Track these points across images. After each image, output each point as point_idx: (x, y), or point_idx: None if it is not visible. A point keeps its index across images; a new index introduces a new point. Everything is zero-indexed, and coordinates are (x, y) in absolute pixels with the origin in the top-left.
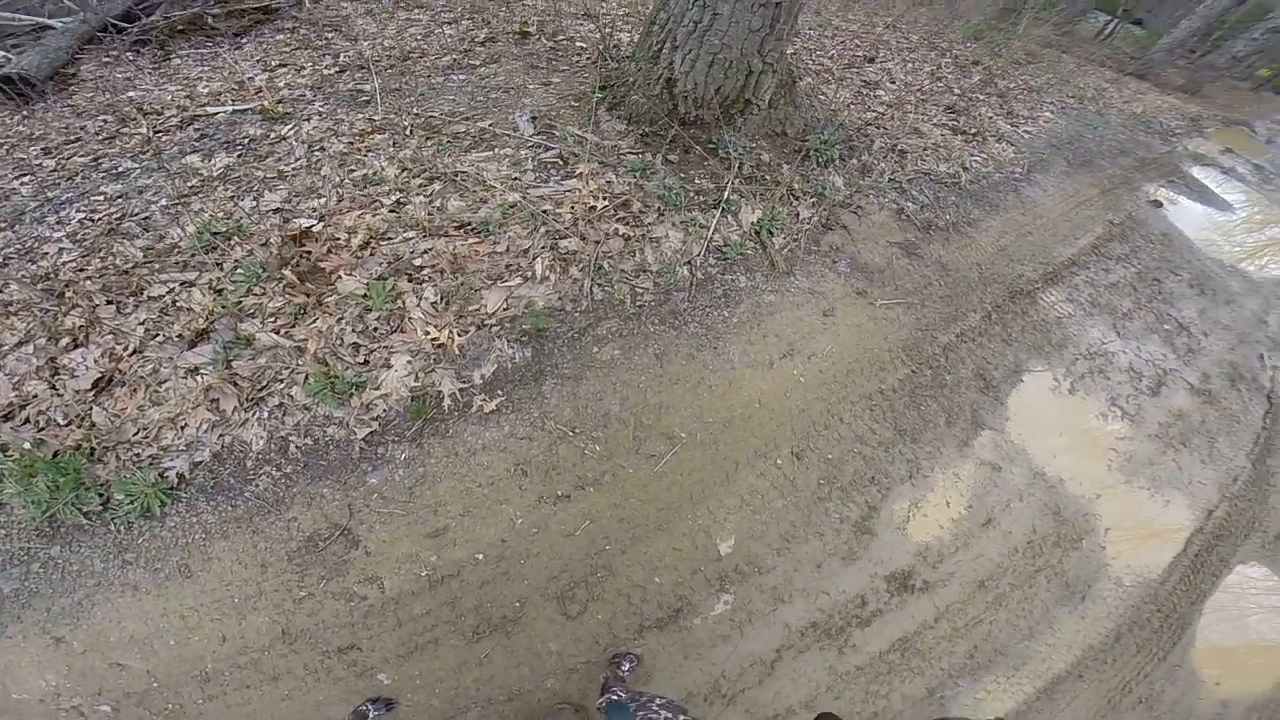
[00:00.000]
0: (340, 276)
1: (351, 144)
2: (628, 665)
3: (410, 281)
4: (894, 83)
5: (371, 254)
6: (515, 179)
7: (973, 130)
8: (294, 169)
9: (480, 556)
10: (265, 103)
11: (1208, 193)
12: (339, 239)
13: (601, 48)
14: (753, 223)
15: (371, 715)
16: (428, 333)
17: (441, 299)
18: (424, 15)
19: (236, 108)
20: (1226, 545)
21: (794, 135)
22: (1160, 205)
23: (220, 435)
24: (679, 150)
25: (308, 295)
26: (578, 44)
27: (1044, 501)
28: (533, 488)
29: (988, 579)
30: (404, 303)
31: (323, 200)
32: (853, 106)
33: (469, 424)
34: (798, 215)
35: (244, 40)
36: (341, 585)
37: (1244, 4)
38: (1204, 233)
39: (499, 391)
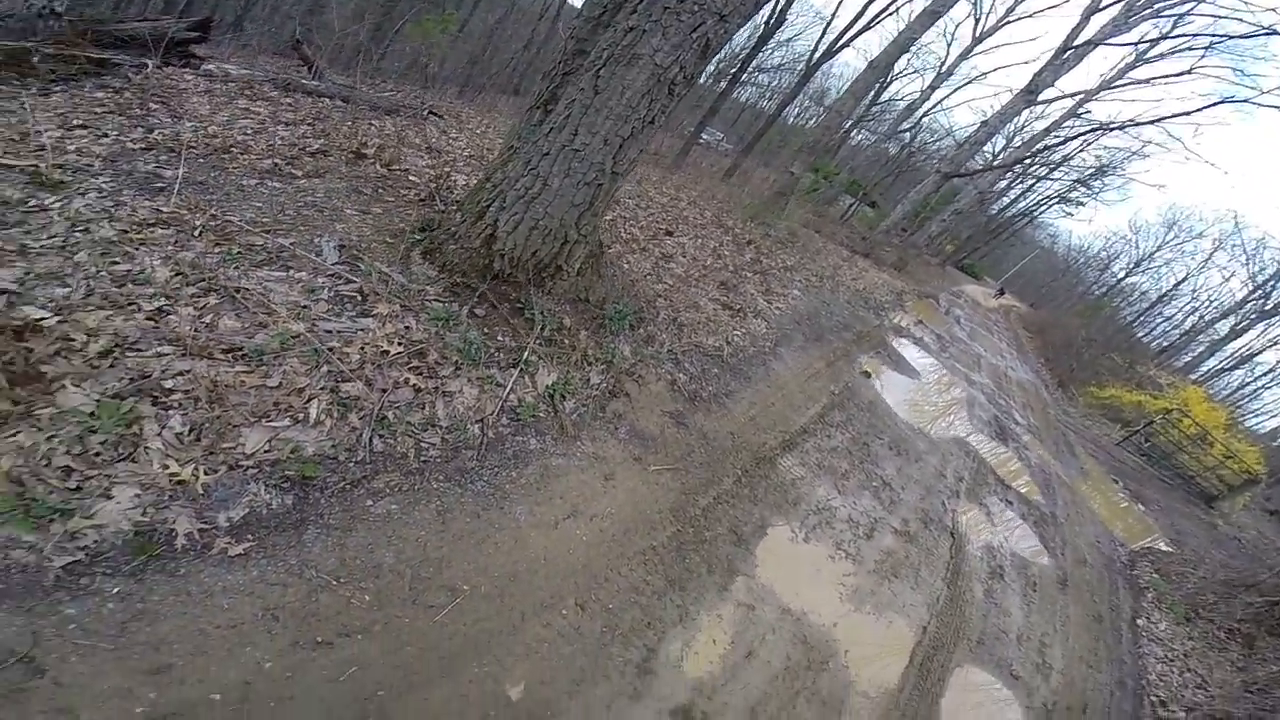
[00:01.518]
0: (64, 386)
1: (125, 232)
2: None
3: (154, 405)
4: (685, 256)
5: (112, 365)
6: (305, 307)
7: (738, 306)
8: (43, 246)
9: (217, 697)
10: (42, 165)
11: (903, 362)
12: (74, 341)
13: (433, 186)
14: (548, 385)
15: None
16: (166, 466)
17: (190, 430)
18: (264, 110)
19: (4, 162)
20: (942, 653)
21: (594, 302)
22: (869, 375)
23: None
24: (486, 305)
25: (15, 404)
26: (410, 176)
27: (793, 632)
28: (285, 633)
29: (757, 704)
30: (141, 429)
31: (66, 291)
32: (649, 277)
33: (207, 565)
34: (589, 381)
35: (57, 88)
36: (19, 713)
37: (939, 190)
38: (900, 398)
39: (249, 536)
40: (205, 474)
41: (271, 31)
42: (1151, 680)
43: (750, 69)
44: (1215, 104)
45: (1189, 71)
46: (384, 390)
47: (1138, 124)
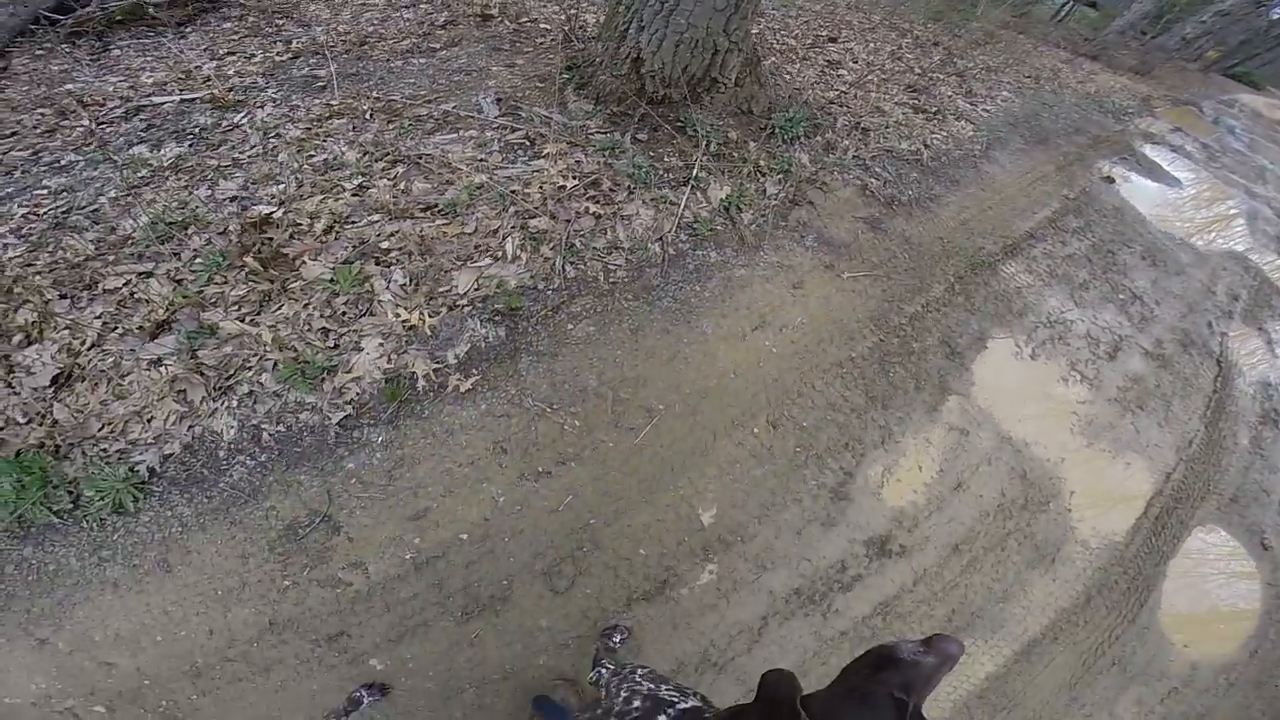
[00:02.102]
0: (304, 262)
1: (309, 129)
2: (619, 638)
3: (378, 265)
4: (856, 62)
5: (336, 238)
6: (481, 160)
7: (933, 109)
8: (249, 156)
9: (464, 536)
10: (215, 91)
11: (1158, 170)
12: (301, 225)
13: (566, 29)
14: (721, 199)
15: (366, 701)
16: (398, 315)
17: (411, 281)
18: (380, 0)
19: (184, 97)
20: (1185, 508)
21: (759, 113)
22: (1113, 181)
23: (189, 427)
24: (647, 129)
25: (271, 282)
26: (542, 25)
27: (1011, 465)
28: (513, 465)
29: (961, 543)
30: (372, 286)
31: (281, 187)
32: (816, 86)
33: (445, 404)
34: (765, 191)
35: (188, 29)
36: (326, 572)
37: None
38: (1155, 208)
39: (474, 371)
40: (430, 316)
41: None
42: None
43: None
44: None
45: None
46: (568, 221)
47: None
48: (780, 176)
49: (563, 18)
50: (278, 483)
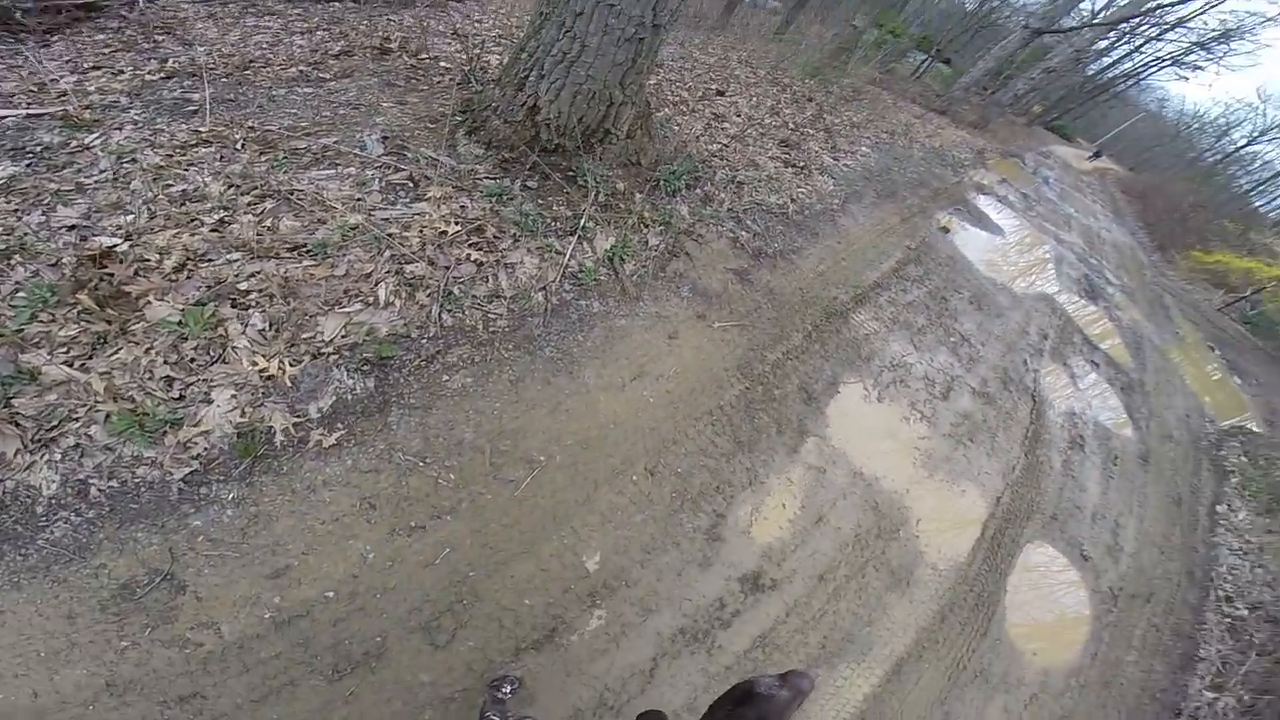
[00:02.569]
0: (150, 302)
1: (170, 156)
2: (508, 688)
3: (234, 307)
4: (739, 116)
5: (188, 277)
6: (359, 200)
7: (801, 164)
8: (97, 182)
9: (331, 594)
10: (70, 108)
11: (986, 219)
12: (149, 260)
13: (467, 69)
14: (606, 250)
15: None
16: (255, 363)
17: (271, 326)
18: (275, 23)
19: (32, 112)
20: (1014, 528)
21: (647, 165)
22: (948, 231)
23: (0, 481)
24: (537, 177)
25: (109, 323)
26: (441, 64)
27: (864, 498)
28: (383, 521)
29: (825, 573)
30: (226, 331)
31: (130, 217)
32: (702, 138)
33: (306, 459)
34: (647, 243)
35: (54, 39)
36: (171, 633)
37: (1027, 47)
38: (982, 255)
39: (339, 424)
40: (291, 365)
41: None
42: (1220, 572)
43: None
44: None
45: None
46: (447, 267)
47: None
48: (662, 228)
49: (464, 57)
50: (109, 540)
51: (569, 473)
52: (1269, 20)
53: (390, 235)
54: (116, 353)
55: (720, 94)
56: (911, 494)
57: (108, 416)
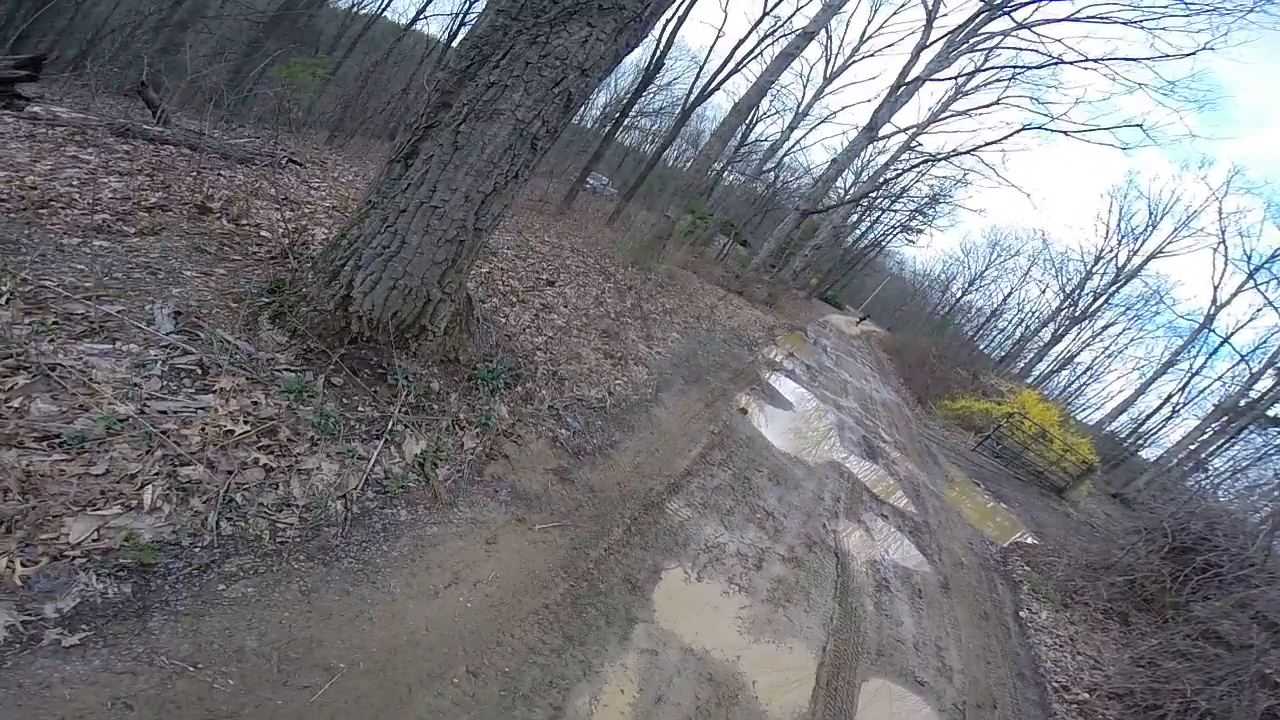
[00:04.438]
0: None
1: None
2: None
3: None
4: (567, 306)
5: None
6: (135, 385)
7: (619, 354)
8: None
9: None
10: None
11: (777, 395)
12: None
13: (287, 242)
14: (416, 454)
15: None
16: None
17: (1, 524)
18: (95, 158)
19: None
20: (846, 670)
21: (465, 362)
22: (746, 413)
23: None
24: (344, 373)
25: None
26: (262, 232)
27: (698, 671)
28: None
29: None
30: None
31: None
32: (529, 329)
33: (39, 657)
34: (462, 445)
35: None
36: None
37: (799, 227)
38: (776, 432)
39: (83, 626)
40: (23, 565)
41: (117, 71)
42: (1048, 667)
43: (632, 113)
44: (1018, 131)
45: (997, 102)
46: (230, 472)
47: (959, 153)
48: (479, 430)
49: (287, 228)
50: None
51: (376, 678)
52: (959, 182)
53: (165, 432)
54: None
55: (550, 284)
56: (743, 659)
57: None
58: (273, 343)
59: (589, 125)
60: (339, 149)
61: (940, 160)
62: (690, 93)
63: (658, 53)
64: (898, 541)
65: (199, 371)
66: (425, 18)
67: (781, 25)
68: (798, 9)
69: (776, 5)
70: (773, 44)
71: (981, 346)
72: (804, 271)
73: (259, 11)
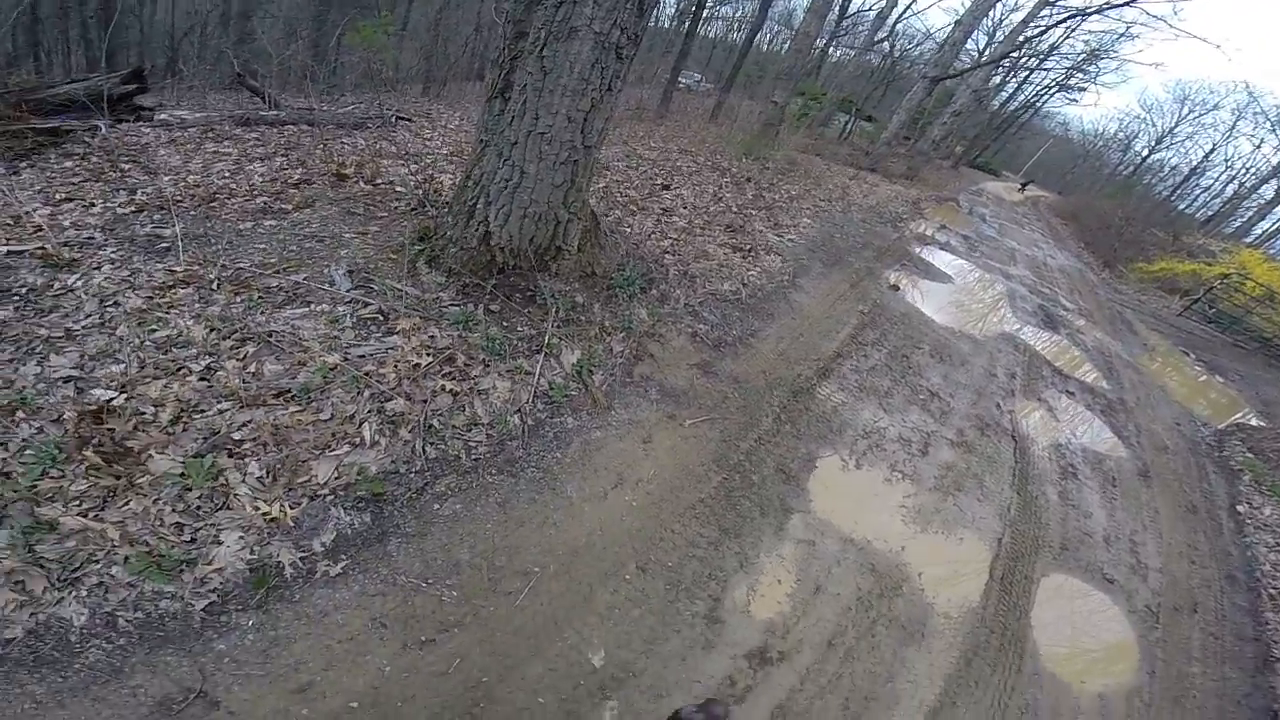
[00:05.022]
0: (151, 456)
1: (151, 298)
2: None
3: (231, 457)
4: (686, 208)
5: (184, 430)
6: (334, 338)
7: (748, 246)
8: (85, 327)
9: (355, 705)
10: (48, 245)
11: (932, 269)
12: (145, 414)
13: (421, 193)
14: (573, 364)
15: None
16: (257, 508)
17: (268, 473)
18: (234, 149)
19: (12, 249)
20: (1024, 565)
21: (602, 274)
22: (898, 289)
23: (31, 614)
24: (499, 300)
25: (117, 478)
26: (397, 188)
27: (859, 562)
28: (394, 638)
29: (833, 638)
30: (227, 479)
31: (122, 367)
32: (653, 235)
33: (316, 588)
34: (611, 350)
35: (23, 165)
36: None
37: (931, 95)
38: (935, 306)
39: (343, 556)
40: (291, 508)
41: (208, 69)
42: (1265, 570)
43: (710, 4)
44: None
45: None
46: (424, 401)
47: (1114, 5)
48: (624, 334)
49: (416, 180)
50: (142, 664)
51: (564, 580)
52: (1122, 36)
53: (367, 374)
54: (127, 504)
55: (666, 188)
56: (908, 550)
57: (126, 559)
58: (434, 283)
59: (667, 25)
60: (436, 99)
61: (1091, 14)
62: None
63: None
64: (1086, 422)
65: (381, 318)
66: None
67: None
68: None
69: None
70: None
71: (1182, 207)
72: (945, 140)
73: None
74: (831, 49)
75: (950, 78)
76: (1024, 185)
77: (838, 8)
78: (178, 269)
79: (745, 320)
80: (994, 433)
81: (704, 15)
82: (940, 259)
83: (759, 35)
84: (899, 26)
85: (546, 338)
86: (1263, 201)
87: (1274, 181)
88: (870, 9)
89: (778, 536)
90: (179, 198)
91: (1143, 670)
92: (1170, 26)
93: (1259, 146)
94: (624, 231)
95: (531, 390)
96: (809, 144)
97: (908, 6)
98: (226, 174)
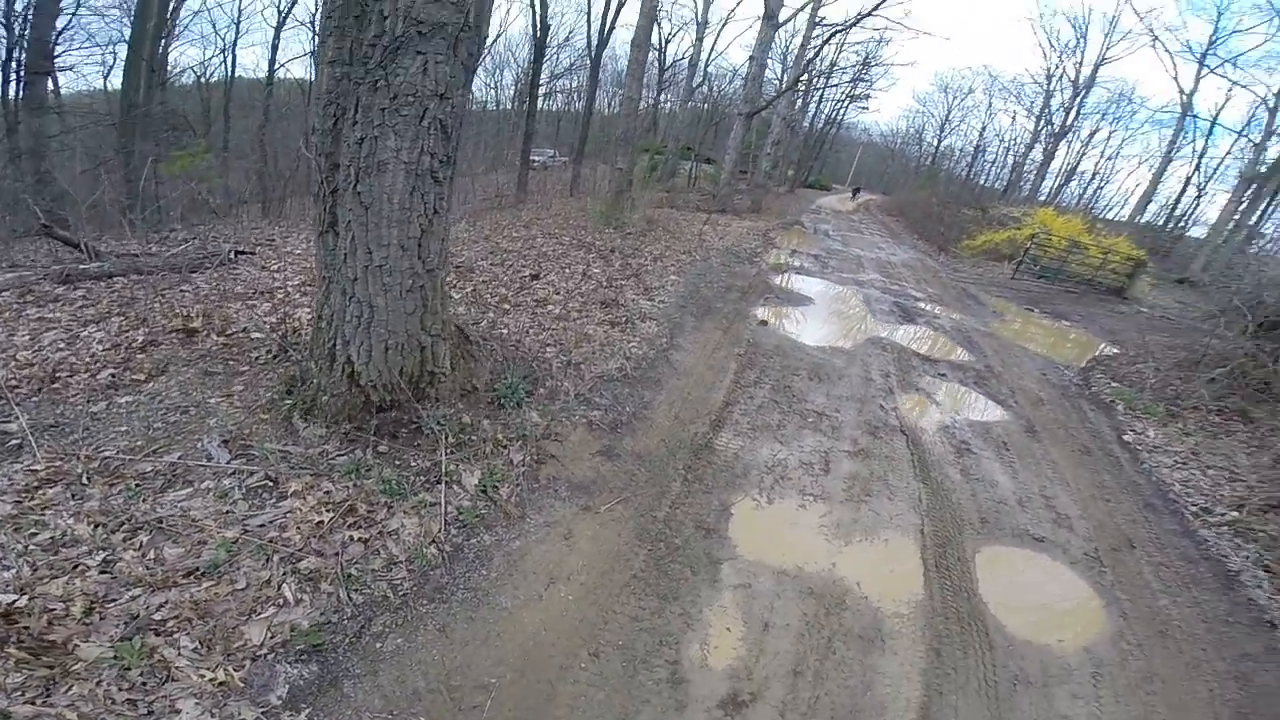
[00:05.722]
0: (77, 645)
1: (20, 503)
2: None
3: (160, 635)
4: (559, 294)
5: (101, 618)
6: (227, 513)
7: (624, 319)
8: None
9: None
10: None
11: (793, 295)
12: (55, 610)
13: (278, 336)
14: (476, 485)
15: None
16: (202, 675)
17: (201, 644)
18: (61, 313)
19: None
20: (953, 547)
21: (483, 388)
22: (766, 323)
23: None
24: (385, 439)
25: (50, 667)
26: (253, 335)
27: (797, 590)
28: None
29: (797, 666)
30: (163, 655)
31: (12, 572)
32: (531, 331)
33: None
34: (511, 461)
35: None
36: None
37: (751, 130)
38: (803, 329)
39: (302, 705)
40: (236, 670)
41: (5, 219)
42: (1178, 491)
43: (544, 81)
44: None
45: None
46: (336, 554)
47: (862, 15)
48: (519, 443)
49: (273, 321)
50: None
51: (522, 684)
52: (880, 43)
53: (272, 540)
54: (70, 688)
55: (535, 278)
56: (839, 566)
57: None
58: (314, 437)
59: (510, 107)
60: (278, 219)
61: (847, 28)
62: (590, 41)
63: (536, 18)
64: (965, 397)
65: (270, 483)
66: (282, 66)
67: None
68: None
69: None
70: None
71: (981, 182)
72: (775, 169)
73: (103, 115)
74: (664, 102)
75: (760, 110)
76: (854, 193)
77: (657, 64)
78: (38, 468)
79: (635, 394)
80: (885, 433)
81: (541, 92)
82: (798, 284)
83: (596, 102)
84: (710, 70)
85: (443, 466)
86: (1036, 163)
87: (1039, 144)
88: (683, 58)
89: (714, 589)
90: (13, 381)
91: (1114, 615)
92: (906, 27)
93: (1013, 119)
94: (501, 335)
95: (441, 520)
96: (662, 198)
97: (712, 49)
98: (61, 345)
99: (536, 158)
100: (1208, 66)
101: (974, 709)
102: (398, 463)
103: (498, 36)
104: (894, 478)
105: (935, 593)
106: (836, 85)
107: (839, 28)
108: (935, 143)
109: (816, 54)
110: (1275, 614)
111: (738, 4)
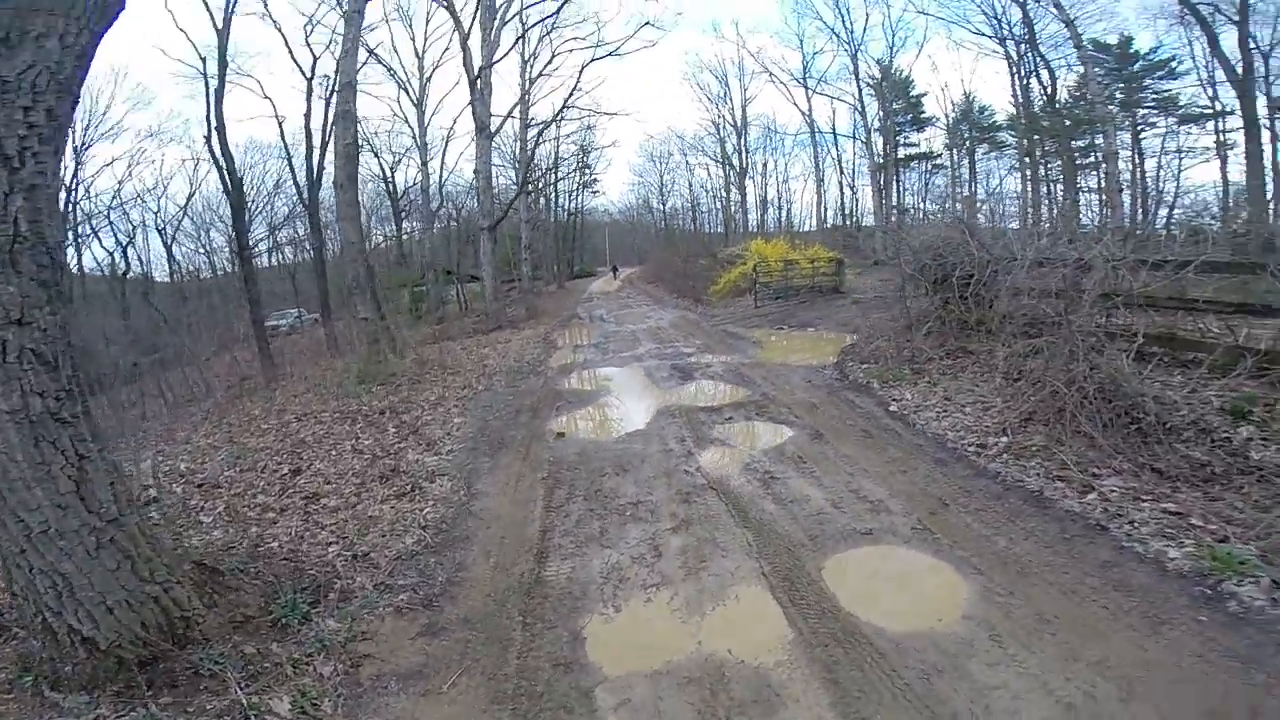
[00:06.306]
0: None
1: None
2: None
3: None
4: (330, 482)
5: None
6: None
7: (411, 486)
8: None
9: None
10: None
11: (583, 395)
12: None
13: None
14: (289, 710)
15: None
16: None
17: None
18: None
19: None
20: (799, 575)
21: (257, 613)
22: (564, 435)
23: None
24: (165, 689)
25: None
26: None
27: (674, 684)
28: None
29: None
30: None
31: None
32: (307, 533)
33: None
34: (321, 676)
35: None
36: None
37: (498, 242)
38: (599, 427)
39: None
40: None
41: None
42: (952, 439)
43: (256, 239)
44: (583, 68)
45: (555, 55)
46: None
47: (561, 110)
48: (322, 655)
49: None
50: None
51: None
52: (586, 129)
53: None
54: None
55: (298, 472)
56: (704, 642)
57: None
58: (79, 704)
59: (228, 269)
60: None
61: (554, 122)
62: (298, 187)
63: (224, 174)
64: (754, 430)
65: None
66: None
67: (331, 83)
68: (337, 68)
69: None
70: (329, 107)
71: (708, 231)
72: (538, 271)
73: None
74: (407, 230)
75: (500, 221)
76: (614, 270)
77: (388, 194)
78: None
79: (444, 560)
80: (697, 495)
81: (262, 248)
82: (585, 379)
83: (328, 248)
84: (446, 189)
85: (246, 703)
86: (735, 203)
87: (732, 188)
88: (414, 184)
89: (595, 717)
90: None
91: (969, 574)
92: (599, 112)
93: (709, 170)
94: (270, 550)
95: None
96: (435, 331)
97: (441, 169)
98: None
99: (278, 322)
100: (809, 88)
101: (905, 717)
102: (189, 710)
103: (191, 195)
104: (720, 534)
105: (802, 625)
106: (565, 177)
107: (545, 123)
108: (661, 207)
109: (532, 154)
110: (1096, 516)
111: (453, 123)
